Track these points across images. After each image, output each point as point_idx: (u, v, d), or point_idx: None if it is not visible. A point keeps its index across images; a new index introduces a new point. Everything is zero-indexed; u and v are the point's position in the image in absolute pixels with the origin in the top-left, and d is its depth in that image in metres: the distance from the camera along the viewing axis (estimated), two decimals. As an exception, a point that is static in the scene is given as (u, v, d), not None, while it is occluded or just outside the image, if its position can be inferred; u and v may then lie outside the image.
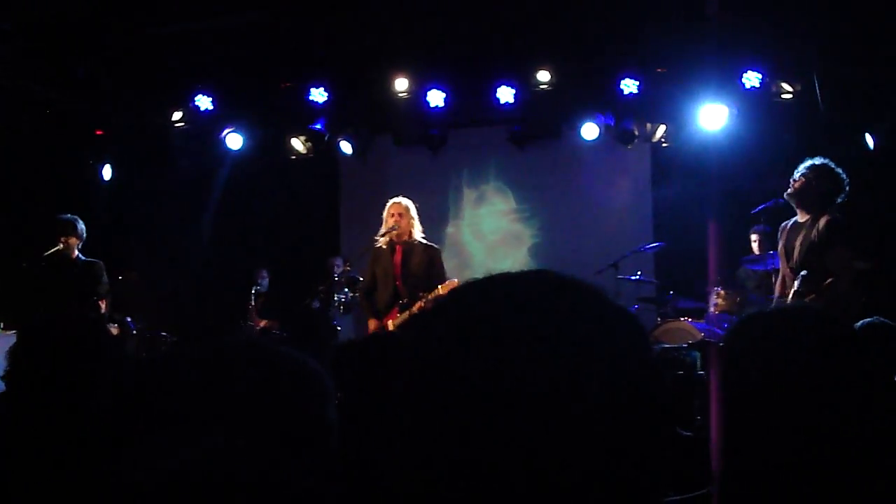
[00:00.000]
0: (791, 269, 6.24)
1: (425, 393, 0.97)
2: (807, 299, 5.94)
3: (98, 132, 11.34)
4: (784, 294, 6.38)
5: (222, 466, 1.15)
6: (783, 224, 6.54)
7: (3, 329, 8.11)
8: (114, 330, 8.36)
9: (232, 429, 1.19)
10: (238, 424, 1.19)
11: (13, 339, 2.77)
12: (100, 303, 7.87)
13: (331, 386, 1.33)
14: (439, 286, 7.18)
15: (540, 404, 0.92)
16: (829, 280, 5.95)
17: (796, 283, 5.95)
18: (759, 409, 1.41)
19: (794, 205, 6.34)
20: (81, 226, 8.02)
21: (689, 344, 7.80)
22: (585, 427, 0.92)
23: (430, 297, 7.17)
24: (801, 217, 6.31)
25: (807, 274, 5.90)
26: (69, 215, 8.05)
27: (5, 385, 2.78)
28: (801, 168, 6.27)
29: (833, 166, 6.21)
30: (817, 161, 6.25)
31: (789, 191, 6.29)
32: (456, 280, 7.37)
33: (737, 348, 1.56)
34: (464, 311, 1.00)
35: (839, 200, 6.18)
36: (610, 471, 0.93)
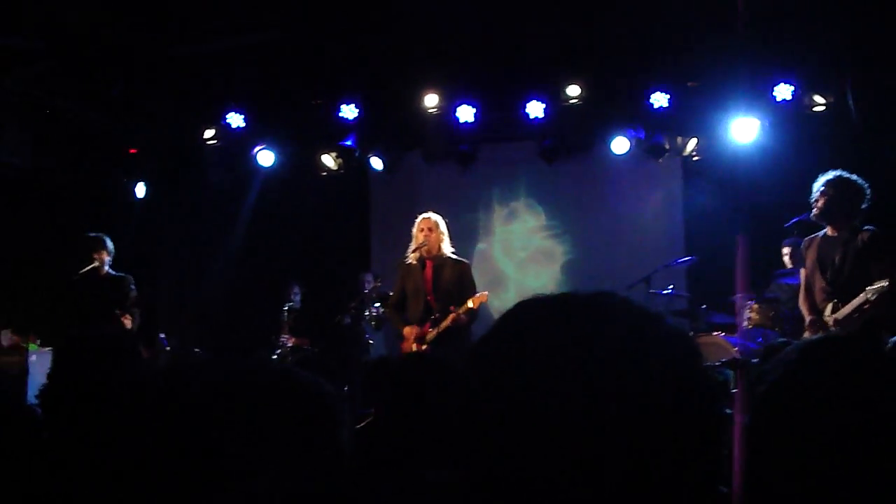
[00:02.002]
0: (827, 282, 6.17)
1: (484, 415, 0.97)
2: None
3: (131, 150, 11.45)
4: (815, 310, 6.30)
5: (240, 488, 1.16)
6: (810, 238, 6.48)
7: (39, 345, 8.20)
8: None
9: (245, 452, 1.19)
10: (251, 447, 1.20)
11: (48, 356, 2.79)
12: (123, 318, 7.91)
13: (343, 408, 1.34)
14: (469, 300, 7.18)
15: (593, 429, 0.93)
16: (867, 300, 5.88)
17: (871, 292, 5.85)
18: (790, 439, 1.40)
19: (823, 224, 6.28)
20: (109, 242, 8.13)
21: (722, 362, 7.74)
22: (642, 447, 0.93)
23: (461, 311, 7.17)
24: (831, 231, 6.24)
25: (888, 284, 5.79)
26: (96, 233, 8.15)
27: (41, 403, 2.79)
28: (819, 186, 6.20)
29: (847, 175, 6.15)
30: (830, 175, 6.19)
31: (815, 212, 6.23)
32: (486, 293, 7.36)
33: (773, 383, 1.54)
34: (525, 336, 1.01)
35: (864, 206, 6.13)
36: (658, 487, 0.93)
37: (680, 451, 0.96)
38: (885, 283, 5.79)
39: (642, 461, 0.93)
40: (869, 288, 5.88)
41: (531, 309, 1.05)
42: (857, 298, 5.94)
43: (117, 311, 7.90)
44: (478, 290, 7.42)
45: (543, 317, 1.03)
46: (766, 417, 1.44)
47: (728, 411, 6.33)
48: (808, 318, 6.40)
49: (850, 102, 9.18)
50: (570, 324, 1.00)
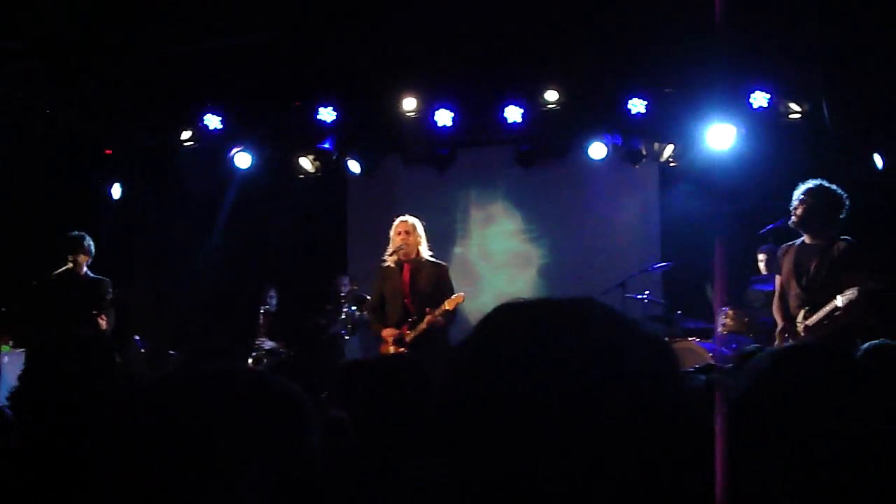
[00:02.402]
0: (802, 289, 6.21)
1: (463, 418, 0.98)
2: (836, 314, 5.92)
3: (107, 151, 11.38)
4: (788, 317, 6.34)
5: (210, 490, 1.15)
6: (788, 245, 6.51)
7: (12, 347, 8.13)
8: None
9: (215, 455, 1.19)
10: (220, 450, 1.20)
11: (21, 357, 2.77)
12: (99, 319, 7.85)
13: (312, 409, 1.34)
14: (446, 302, 7.19)
15: (572, 432, 0.93)
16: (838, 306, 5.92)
17: (840, 300, 5.88)
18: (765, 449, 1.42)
19: (801, 231, 6.32)
20: (89, 242, 8.06)
21: (696, 368, 7.76)
22: (620, 449, 0.94)
23: (437, 313, 7.16)
24: (808, 239, 6.29)
25: (857, 293, 5.83)
26: (76, 232, 8.08)
27: (11, 405, 2.77)
28: (798, 194, 6.24)
29: (828, 185, 6.19)
30: (811, 184, 6.23)
31: (794, 219, 6.26)
32: (462, 294, 7.36)
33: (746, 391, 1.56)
34: (505, 340, 1.02)
35: (842, 216, 6.17)
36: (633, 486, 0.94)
37: (657, 454, 0.96)
38: (855, 292, 5.84)
39: (620, 463, 0.94)
40: (839, 296, 5.92)
41: (511, 313, 1.05)
42: (828, 306, 5.99)
43: (94, 313, 7.83)
44: (455, 292, 7.42)
45: (523, 321, 1.03)
46: (740, 423, 1.45)
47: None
48: (779, 325, 6.44)
49: (826, 111, 9.25)
50: (550, 329, 1.01)
